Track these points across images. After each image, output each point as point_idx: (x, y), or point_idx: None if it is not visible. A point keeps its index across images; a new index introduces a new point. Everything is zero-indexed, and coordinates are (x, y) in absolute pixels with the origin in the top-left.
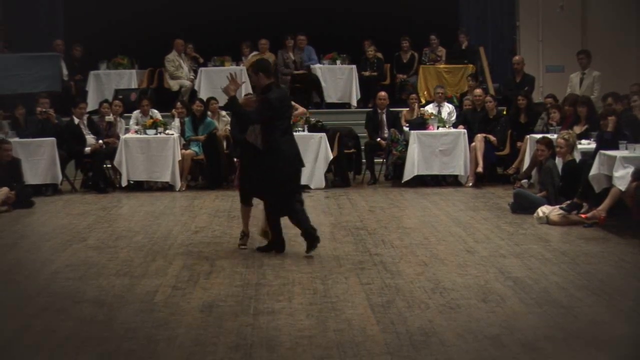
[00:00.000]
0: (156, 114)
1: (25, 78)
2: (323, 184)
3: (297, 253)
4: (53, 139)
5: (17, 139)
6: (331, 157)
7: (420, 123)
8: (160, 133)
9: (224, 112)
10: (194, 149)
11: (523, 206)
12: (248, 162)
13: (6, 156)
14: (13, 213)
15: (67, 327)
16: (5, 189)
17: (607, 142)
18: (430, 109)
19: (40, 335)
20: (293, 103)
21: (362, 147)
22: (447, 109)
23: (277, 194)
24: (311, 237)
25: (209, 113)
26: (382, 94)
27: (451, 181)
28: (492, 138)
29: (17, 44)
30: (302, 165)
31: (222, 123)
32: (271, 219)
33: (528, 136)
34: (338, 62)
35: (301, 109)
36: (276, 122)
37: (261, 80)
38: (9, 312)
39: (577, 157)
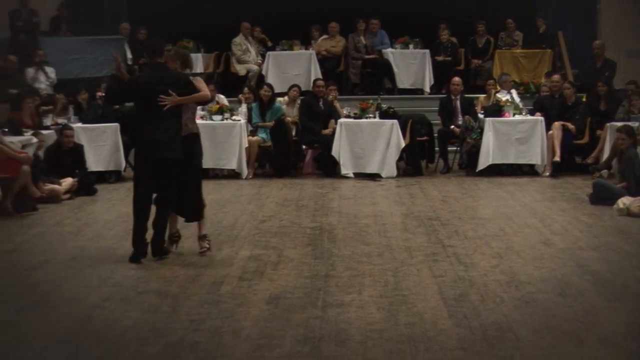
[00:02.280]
0: (222, 99)
1: (89, 62)
2: (394, 173)
3: (367, 243)
4: (116, 124)
5: (80, 125)
6: (403, 144)
7: (496, 110)
8: (226, 119)
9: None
10: (261, 135)
11: (602, 197)
12: None
13: (68, 142)
14: (76, 200)
15: (131, 318)
16: (69, 180)
17: None
18: (503, 96)
19: (103, 326)
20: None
21: (435, 135)
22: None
23: None
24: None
25: (282, 99)
26: (456, 79)
27: (527, 170)
28: (570, 126)
29: (80, 28)
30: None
31: (297, 110)
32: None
33: (608, 124)
34: (411, 46)
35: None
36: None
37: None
38: (71, 302)
39: None
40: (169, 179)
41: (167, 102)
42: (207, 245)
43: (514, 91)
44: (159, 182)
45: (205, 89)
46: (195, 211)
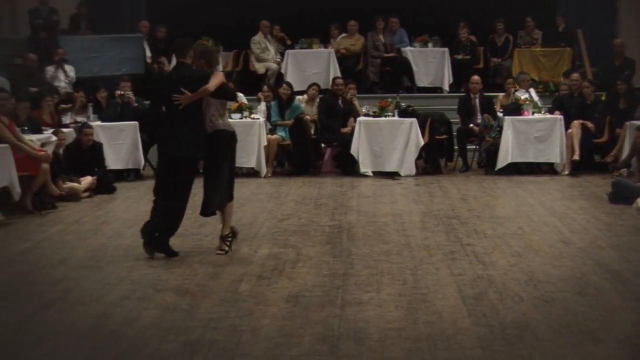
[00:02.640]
0: (241, 97)
1: (108, 60)
2: (413, 171)
3: (386, 242)
4: (135, 122)
5: (99, 123)
6: (422, 143)
7: (515, 108)
8: (245, 117)
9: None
10: (280, 134)
11: (622, 196)
12: None
13: (87, 140)
14: (95, 199)
15: (149, 316)
16: (89, 178)
17: None
18: (522, 95)
19: (122, 323)
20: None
21: (454, 133)
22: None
23: None
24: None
25: (301, 98)
26: (475, 78)
27: (546, 169)
28: (589, 124)
29: (100, 26)
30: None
31: (316, 109)
32: None
33: (628, 123)
34: (430, 45)
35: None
36: None
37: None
38: (90, 300)
39: None
40: (181, 175)
41: (180, 100)
42: (226, 248)
43: (532, 90)
44: (172, 178)
45: (213, 83)
46: (207, 206)
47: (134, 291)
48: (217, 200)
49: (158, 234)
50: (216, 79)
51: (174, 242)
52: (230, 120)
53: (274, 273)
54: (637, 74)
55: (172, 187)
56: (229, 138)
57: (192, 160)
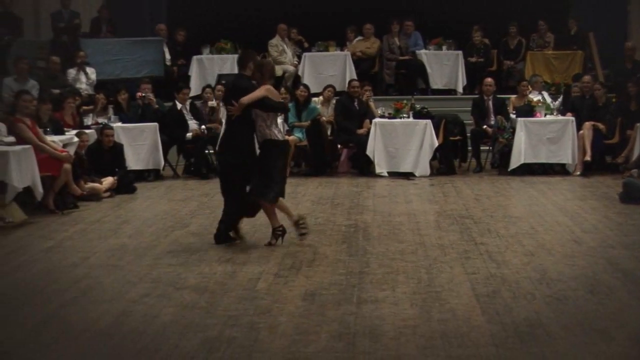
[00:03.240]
0: None
1: (129, 63)
2: (428, 172)
3: (401, 241)
4: (155, 124)
5: (119, 124)
6: (436, 144)
7: (528, 110)
8: None
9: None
10: (298, 135)
11: (633, 196)
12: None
13: (108, 141)
14: (115, 198)
15: (169, 313)
16: (110, 179)
17: None
18: (535, 97)
19: (142, 321)
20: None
21: (468, 134)
22: (545, 96)
23: None
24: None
25: (317, 99)
26: (489, 80)
27: (559, 170)
28: (601, 126)
29: (120, 29)
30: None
31: (332, 110)
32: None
33: (638, 124)
34: (444, 47)
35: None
36: None
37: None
38: (111, 298)
39: None
40: (229, 180)
41: (230, 111)
42: (273, 241)
43: (545, 93)
44: (224, 179)
45: (248, 96)
46: (242, 207)
47: (154, 289)
48: (259, 192)
49: (218, 225)
50: (255, 93)
51: (192, 240)
52: None
53: (291, 271)
54: None
55: (225, 187)
56: (275, 147)
57: (238, 166)
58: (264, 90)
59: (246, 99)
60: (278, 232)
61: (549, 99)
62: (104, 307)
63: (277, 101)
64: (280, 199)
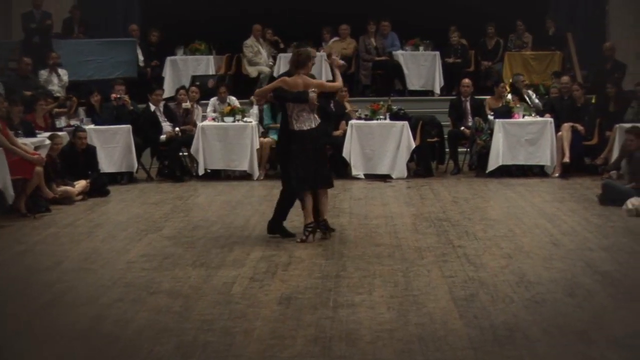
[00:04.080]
0: (234, 101)
1: (101, 64)
2: (405, 174)
3: (378, 244)
4: (128, 126)
5: (92, 126)
6: (413, 146)
7: (506, 111)
8: (238, 120)
9: None
10: (273, 136)
11: (612, 198)
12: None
13: (81, 144)
14: (88, 202)
15: (142, 318)
16: (83, 182)
17: None
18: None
19: (116, 326)
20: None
21: (445, 136)
22: (531, 95)
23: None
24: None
25: None
26: (466, 81)
27: (537, 171)
28: (579, 127)
29: (93, 30)
30: None
31: None
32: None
33: (617, 125)
34: (421, 48)
35: None
36: None
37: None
38: (83, 302)
39: None
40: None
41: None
42: (303, 237)
43: (530, 91)
44: None
45: (264, 87)
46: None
47: (127, 293)
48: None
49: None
50: (271, 84)
51: (166, 243)
52: (223, 123)
53: (267, 275)
54: (626, 77)
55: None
56: (300, 139)
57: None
58: (278, 81)
59: (259, 89)
60: (308, 228)
61: (536, 100)
62: (77, 311)
63: (292, 91)
64: (309, 195)
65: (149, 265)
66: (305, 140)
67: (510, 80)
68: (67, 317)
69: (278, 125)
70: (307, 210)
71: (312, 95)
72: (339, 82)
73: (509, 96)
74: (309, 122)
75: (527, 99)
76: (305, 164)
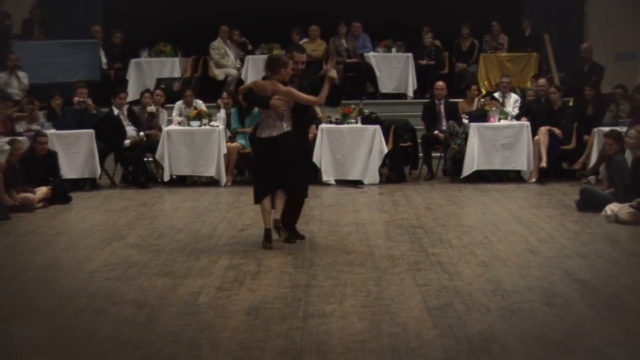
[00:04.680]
0: (200, 104)
1: (63, 66)
2: (377, 180)
3: (349, 252)
4: (91, 130)
5: (53, 131)
6: (386, 150)
7: (481, 115)
8: (204, 125)
9: None
10: (241, 141)
11: (590, 204)
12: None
13: (42, 149)
14: (50, 209)
15: (106, 329)
16: (44, 188)
17: None
18: (497, 97)
19: (78, 337)
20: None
21: (419, 140)
22: (513, 98)
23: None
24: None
25: None
26: (440, 83)
27: (513, 177)
28: (557, 131)
29: (54, 31)
30: None
31: None
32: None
33: (596, 129)
34: (393, 50)
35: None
36: None
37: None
38: (45, 313)
39: None
40: None
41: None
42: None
43: (511, 94)
44: None
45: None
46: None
47: (90, 304)
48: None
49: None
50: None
51: (130, 252)
52: (189, 127)
53: (234, 284)
54: (605, 79)
55: None
56: (254, 146)
57: None
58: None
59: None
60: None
61: (511, 108)
62: (38, 323)
63: (257, 95)
64: (265, 201)
65: (112, 274)
66: (261, 148)
67: (486, 83)
68: (28, 329)
69: (246, 129)
70: (263, 216)
71: (274, 102)
72: (317, 98)
73: (485, 98)
74: (271, 129)
75: (503, 101)
76: (260, 171)
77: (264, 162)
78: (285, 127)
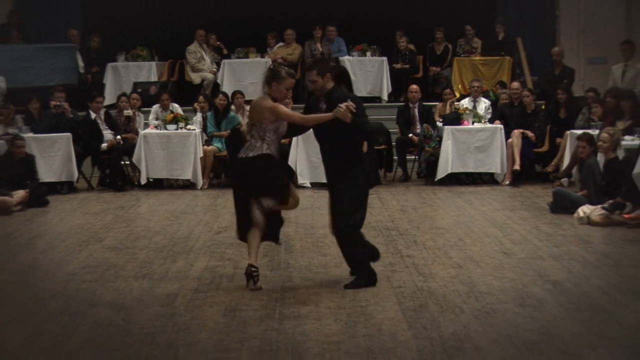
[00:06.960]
0: (177, 108)
1: (40, 70)
2: None
3: (325, 254)
4: (69, 134)
5: (31, 135)
6: None
7: (455, 118)
8: (181, 128)
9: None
10: (217, 145)
11: (563, 206)
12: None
13: (19, 153)
14: (27, 212)
15: (84, 332)
16: (21, 192)
17: None
18: (466, 103)
19: (56, 340)
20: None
21: (393, 144)
22: (484, 103)
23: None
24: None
25: (232, 107)
26: (414, 87)
27: (487, 179)
28: (530, 134)
29: (31, 35)
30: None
31: (247, 118)
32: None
33: (568, 132)
34: (368, 53)
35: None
36: None
37: (328, 83)
38: (23, 316)
39: (620, 154)
40: None
41: None
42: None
43: (482, 98)
44: None
45: None
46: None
47: (67, 307)
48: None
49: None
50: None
51: (107, 255)
52: (165, 131)
53: (211, 287)
54: (577, 82)
55: None
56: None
57: None
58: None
59: None
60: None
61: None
62: (15, 326)
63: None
64: (250, 236)
65: (90, 277)
66: (235, 169)
67: (460, 86)
68: (5, 332)
69: (222, 133)
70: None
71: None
72: (307, 119)
73: (458, 102)
74: (249, 150)
75: (474, 105)
76: (240, 203)
77: (241, 192)
78: (265, 149)
